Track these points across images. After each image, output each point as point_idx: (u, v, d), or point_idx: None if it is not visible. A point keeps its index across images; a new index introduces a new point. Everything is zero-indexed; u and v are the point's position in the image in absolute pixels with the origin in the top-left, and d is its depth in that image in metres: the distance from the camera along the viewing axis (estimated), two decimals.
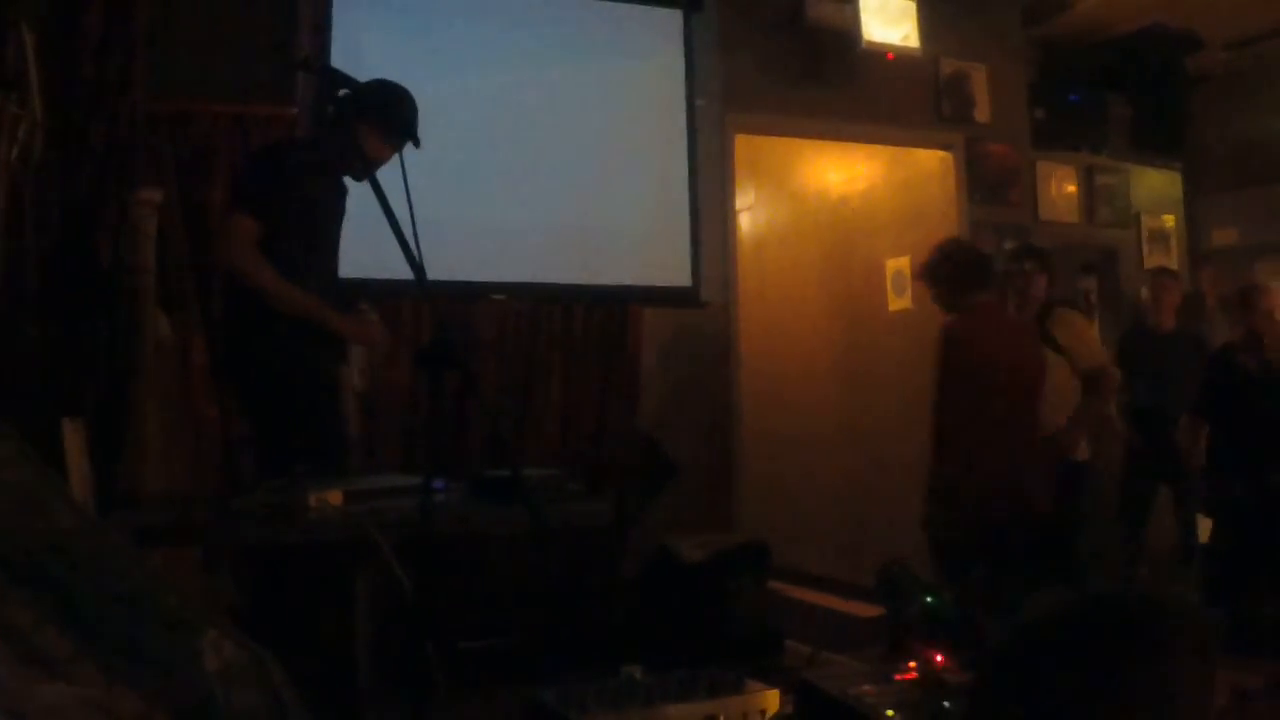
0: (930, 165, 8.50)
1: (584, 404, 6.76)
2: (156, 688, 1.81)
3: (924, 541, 6.02)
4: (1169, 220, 9.51)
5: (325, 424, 4.51)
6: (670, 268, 6.94)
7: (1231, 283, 7.83)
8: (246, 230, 4.33)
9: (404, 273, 3.40)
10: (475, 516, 3.84)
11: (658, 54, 7.10)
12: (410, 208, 3.60)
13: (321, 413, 4.50)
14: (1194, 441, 6.91)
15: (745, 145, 7.85)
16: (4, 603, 1.75)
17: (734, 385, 7.49)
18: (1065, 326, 6.57)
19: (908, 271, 8.51)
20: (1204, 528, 7.59)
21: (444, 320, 5.12)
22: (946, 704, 3.13)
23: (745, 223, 9.22)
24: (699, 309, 7.06)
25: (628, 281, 6.82)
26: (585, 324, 6.82)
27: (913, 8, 7.63)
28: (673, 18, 7.14)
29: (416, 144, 4.48)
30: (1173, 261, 9.28)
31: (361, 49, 5.90)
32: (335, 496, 3.43)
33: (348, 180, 4.71)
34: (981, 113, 8.40)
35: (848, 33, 7.44)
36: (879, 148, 8.66)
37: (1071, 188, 8.98)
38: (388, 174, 4.00)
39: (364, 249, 4.71)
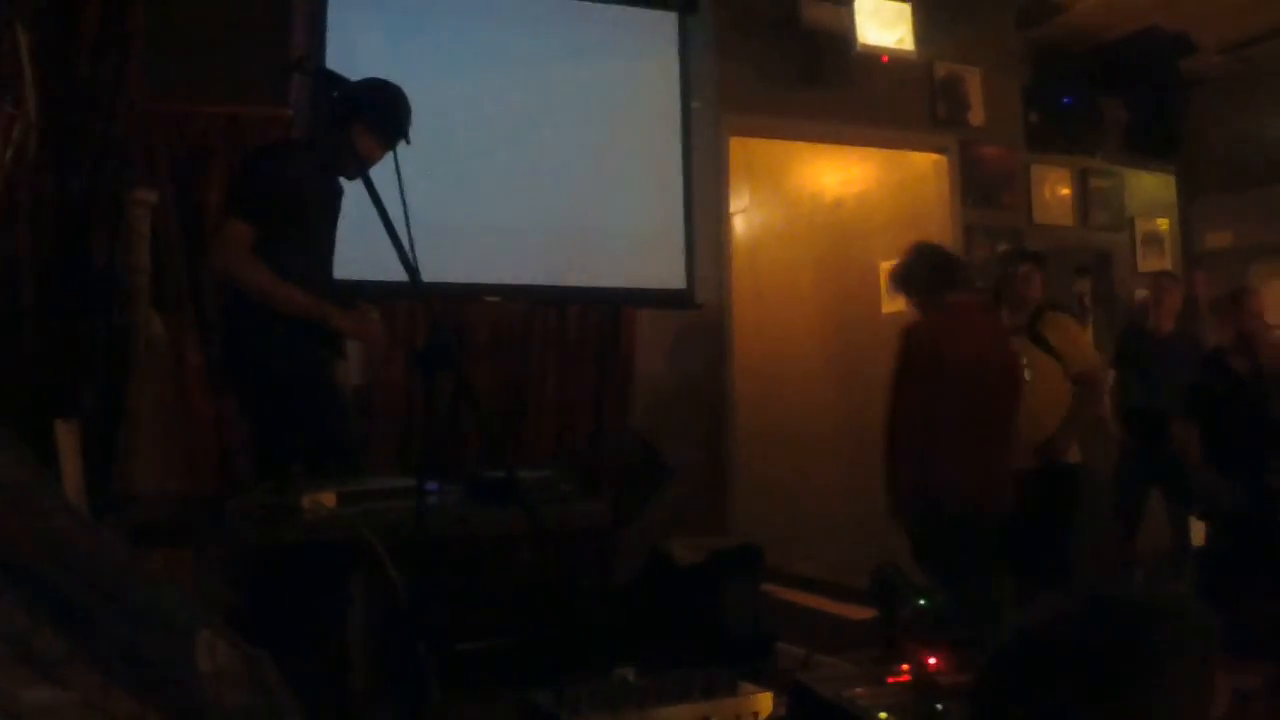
0: (924, 168, 8.50)
1: (579, 406, 6.76)
2: (151, 689, 1.81)
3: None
4: (1163, 223, 9.51)
5: (327, 425, 4.50)
6: (665, 269, 6.94)
7: (1226, 286, 7.83)
8: (241, 236, 4.32)
9: (399, 274, 3.40)
10: (470, 518, 3.84)
11: (653, 56, 7.10)
12: (405, 209, 3.60)
13: (322, 413, 4.50)
14: (1189, 444, 6.92)
15: (740, 147, 7.86)
16: None
17: (728, 387, 7.49)
18: (1057, 329, 6.61)
19: None
20: (1197, 530, 7.60)
21: (438, 322, 5.12)
22: (939, 706, 3.14)
23: (740, 225, 9.23)
24: (694, 311, 7.06)
25: (622, 283, 6.82)
26: (580, 326, 6.83)
27: (908, 11, 7.64)
28: (668, 20, 7.14)
29: (408, 141, 4.49)
30: (1167, 264, 9.29)
31: (357, 50, 5.90)
32: (329, 498, 3.44)
33: (343, 181, 4.71)
34: (976, 116, 8.41)
35: (843, 35, 7.45)
36: (873, 150, 8.67)
37: (1065, 191, 8.98)
38: (383, 176, 4.01)
39: (359, 250, 4.71)
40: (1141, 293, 8.97)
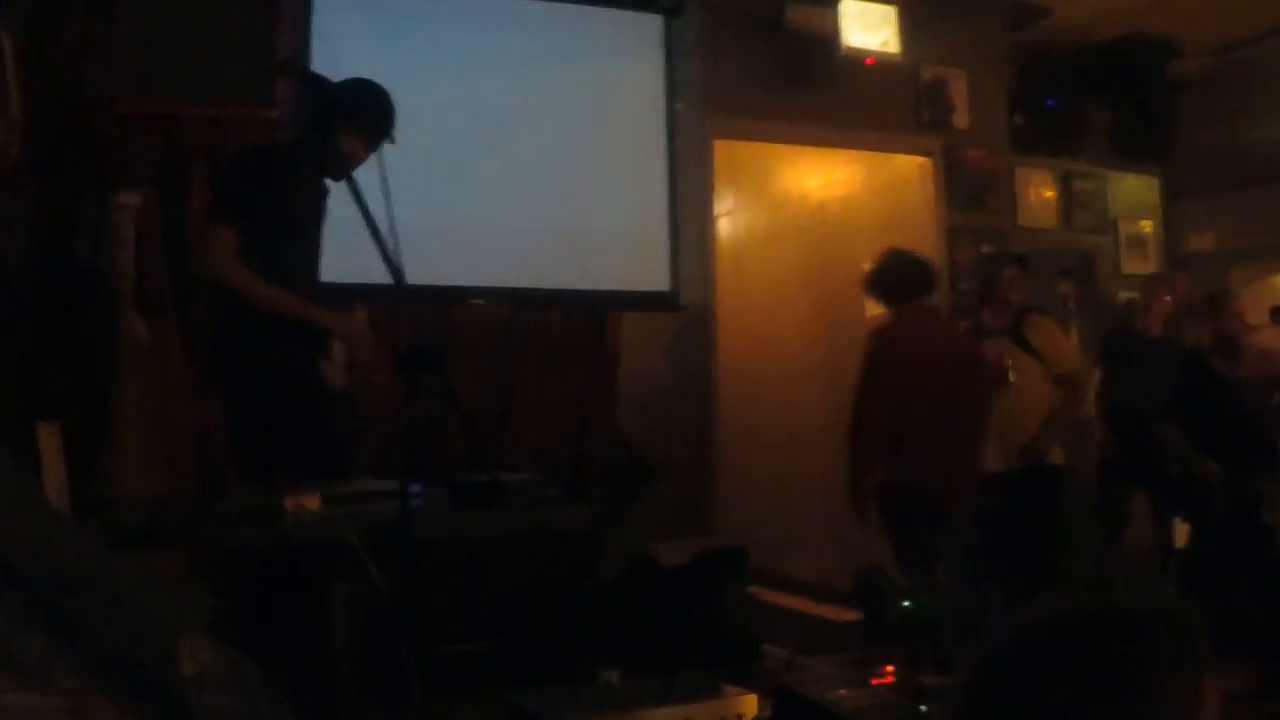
0: (909, 171, 8.51)
1: (563, 408, 6.75)
2: (133, 693, 1.81)
3: None
4: (1146, 226, 9.53)
5: (315, 426, 4.50)
6: (650, 272, 6.94)
7: (1208, 288, 7.85)
8: (226, 240, 4.31)
9: (382, 276, 3.40)
10: (453, 521, 3.84)
11: (638, 58, 7.10)
12: (389, 211, 3.61)
13: (310, 415, 4.49)
14: (1181, 445, 6.90)
15: (725, 150, 7.86)
16: None
17: (713, 389, 7.49)
18: (1039, 331, 6.68)
19: None
20: (1180, 531, 7.62)
21: (422, 324, 5.12)
22: (923, 708, 3.15)
23: (725, 227, 9.22)
24: (678, 313, 7.06)
25: (607, 285, 6.82)
26: (564, 328, 6.82)
27: (893, 13, 7.64)
28: (653, 22, 7.14)
29: (392, 141, 4.49)
30: (1150, 267, 9.31)
31: (342, 52, 5.88)
32: (313, 501, 3.43)
33: (328, 182, 4.71)
34: (961, 118, 8.42)
35: (828, 38, 7.46)
36: (858, 153, 8.69)
37: (1050, 193, 9.00)
38: (367, 178, 4.01)
39: (343, 253, 4.70)
40: (1126, 294, 9.00)
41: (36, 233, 5.27)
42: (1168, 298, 7.81)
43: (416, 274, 3.87)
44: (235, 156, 5.17)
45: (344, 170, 4.19)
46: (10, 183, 4.85)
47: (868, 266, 8.18)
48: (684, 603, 5.61)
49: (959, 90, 8.41)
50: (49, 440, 4.29)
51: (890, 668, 3.43)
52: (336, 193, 4.60)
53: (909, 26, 7.73)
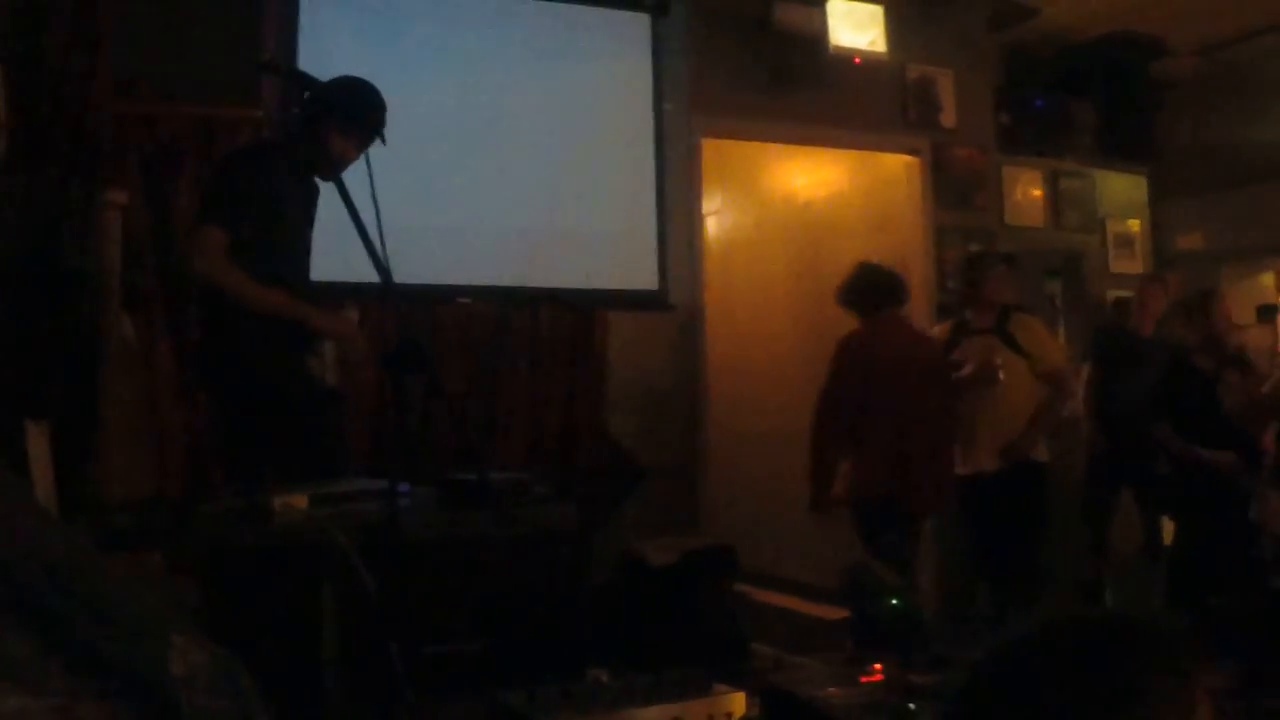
0: (896, 169, 8.52)
1: (551, 407, 6.75)
2: (122, 693, 1.81)
3: None
4: (1134, 225, 9.55)
5: (304, 425, 4.49)
6: (638, 271, 6.95)
7: (1196, 287, 7.86)
8: (215, 241, 4.30)
9: (370, 275, 3.40)
10: (442, 520, 3.84)
11: (625, 58, 7.11)
12: (377, 210, 3.60)
13: (300, 414, 4.49)
14: (1179, 445, 6.89)
15: (712, 149, 7.86)
16: None
17: (701, 388, 7.49)
18: (1025, 330, 6.72)
19: None
20: (1167, 530, 7.64)
21: (410, 323, 5.12)
22: (911, 706, 3.15)
23: (712, 226, 9.22)
24: (666, 312, 7.06)
25: (595, 284, 6.82)
26: (552, 327, 6.81)
27: (880, 13, 7.64)
28: (640, 21, 7.14)
29: (383, 140, 4.48)
30: (1139, 266, 9.34)
31: (328, 51, 5.88)
32: (301, 500, 3.43)
33: (318, 181, 4.70)
34: (948, 117, 8.42)
35: (815, 38, 7.45)
36: (846, 152, 8.68)
37: (1037, 192, 9.01)
38: (354, 177, 4.00)
39: (330, 252, 4.71)
40: (1114, 293, 9.02)
41: (24, 232, 5.27)
42: (1161, 297, 7.82)
43: (404, 273, 3.87)
44: (225, 156, 5.17)
45: (335, 170, 4.18)
46: None
47: (858, 261, 8.24)
48: (673, 602, 5.61)
49: (946, 89, 8.41)
50: (37, 439, 4.28)
51: (879, 666, 3.43)
52: (325, 192, 4.60)
53: (896, 26, 7.73)
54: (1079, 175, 9.23)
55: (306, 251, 4.73)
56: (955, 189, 8.45)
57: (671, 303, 7.06)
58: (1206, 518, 6.64)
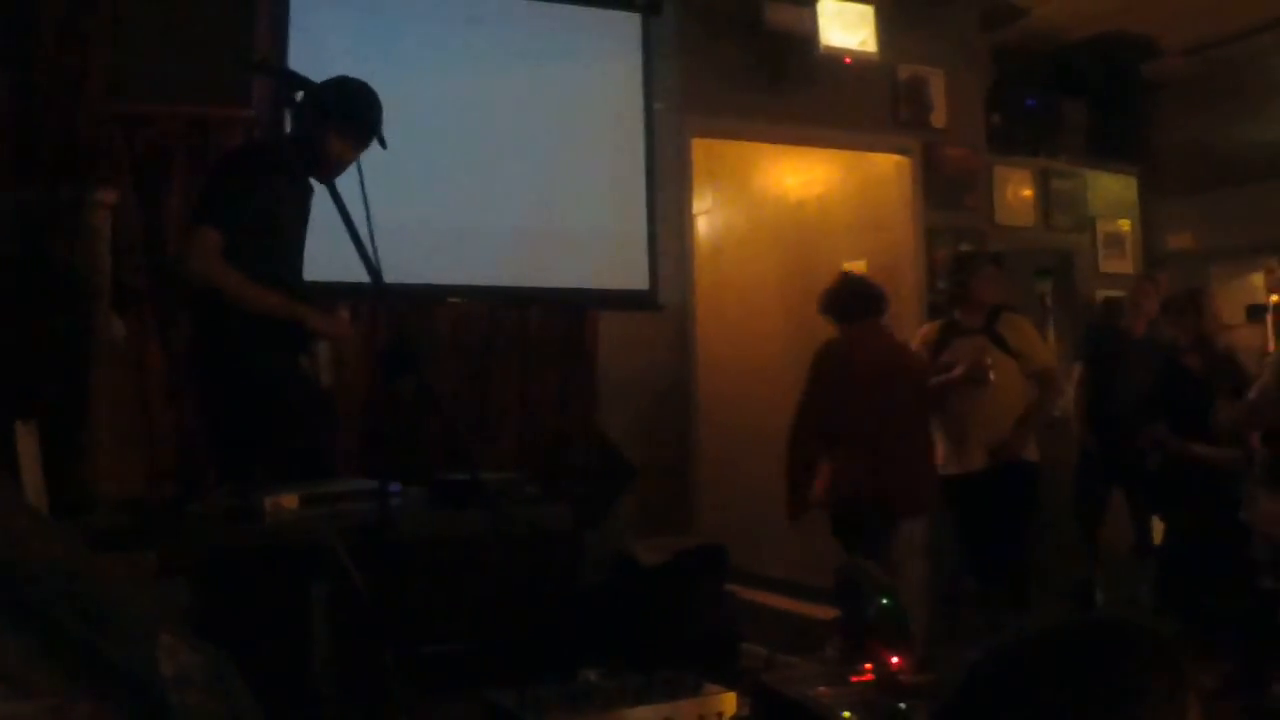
0: (887, 169, 8.52)
1: (542, 407, 6.75)
2: (112, 693, 1.80)
3: None
4: (1124, 224, 9.56)
5: (299, 426, 4.48)
6: (628, 271, 6.95)
7: (1186, 287, 7.86)
8: (211, 242, 4.28)
9: (360, 275, 3.39)
10: (433, 520, 3.83)
11: (616, 57, 7.10)
12: (367, 210, 3.59)
13: (294, 414, 4.48)
14: (1176, 444, 6.88)
15: (703, 149, 7.86)
16: None
17: (692, 388, 7.49)
18: (1014, 330, 6.76)
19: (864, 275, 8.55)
20: (1158, 529, 7.64)
21: (401, 323, 5.12)
22: (902, 705, 3.15)
23: (703, 226, 9.23)
24: (657, 312, 7.06)
25: (586, 284, 6.83)
26: (543, 327, 6.81)
27: (871, 13, 7.65)
28: (631, 21, 7.14)
29: (383, 144, 4.48)
30: (1129, 266, 9.35)
31: (319, 50, 5.87)
32: (291, 500, 3.42)
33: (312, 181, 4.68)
34: (938, 117, 8.42)
35: (806, 37, 7.46)
36: (836, 152, 8.69)
37: (1027, 192, 9.02)
38: (345, 176, 4.00)
39: (320, 251, 4.69)
40: (1104, 293, 9.03)
41: (14, 231, 5.25)
42: (1154, 298, 7.83)
43: (394, 273, 3.87)
44: (221, 157, 5.15)
45: (334, 173, 4.18)
46: None
47: (848, 264, 8.28)
48: (663, 601, 5.62)
49: (937, 89, 8.41)
50: (26, 439, 4.27)
51: (870, 665, 3.43)
52: (316, 191, 4.59)
53: (887, 26, 7.74)
54: (1070, 175, 9.24)
55: (300, 252, 4.72)
56: (946, 189, 8.45)
57: (662, 303, 7.06)
58: (1197, 517, 6.65)
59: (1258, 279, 8.63)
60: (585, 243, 6.81)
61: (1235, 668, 6.06)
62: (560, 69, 6.86)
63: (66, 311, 5.21)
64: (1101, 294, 9.09)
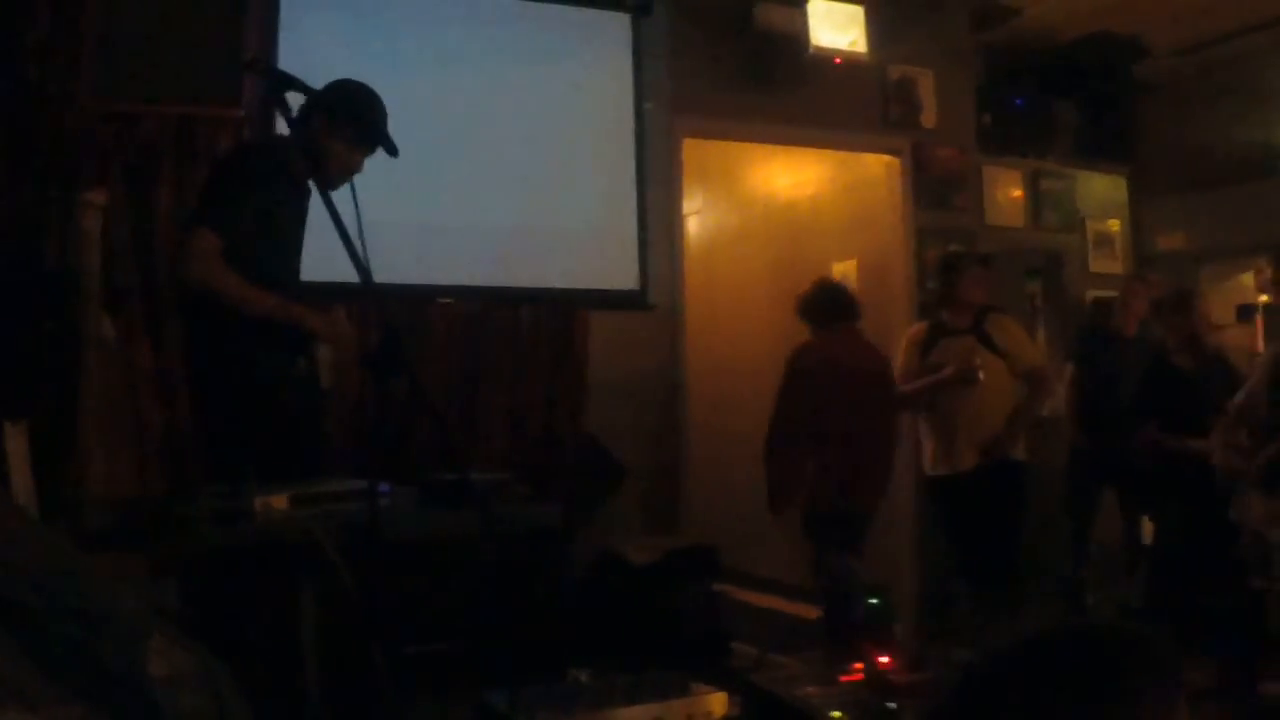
0: (877, 170, 8.53)
1: (532, 407, 6.75)
2: (103, 694, 1.81)
3: (870, 543, 6.52)
4: (1114, 225, 9.57)
5: (296, 429, 4.47)
6: (618, 271, 6.95)
7: (1176, 287, 7.86)
8: (211, 244, 4.26)
9: (350, 275, 3.39)
10: (423, 520, 3.84)
11: (606, 57, 7.10)
12: (357, 210, 3.59)
13: (290, 419, 4.46)
14: (1173, 443, 6.88)
15: (693, 149, 7.86)
16: None
17: (681, 388, 7.50)
18: (1002, 330, 6.80)
19: (854, 275, 8.56)
20: (1148, 528, 7.66)
21: (391, 323, 5.10)
22: (891, 705, 3.16)
23: (693, 226, 9.23)
24: (647, 312, 7.07)
25: (576, 284, 6.83)
26: (533, 327, 6.81)
27: (861, 13, 7.65)
28: (621, 21, 7.14)
29: (392, 152, 4.49)
30: (1119, 266, 9.37)
31: (309, 50, 5.86)
32: (281, 500, 3.42)
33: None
34: (928, 118, 8.43)
35: (796, 38, 7.46)
36: (826, 152, 8.70)
37: (1017, 192, 9.03)
38: None
39: (311, 251, 4.68)
40: (1094, 293, 9.05)
41: (3, 231, 5.25)
42: (1144, 298, 7.84)
43: (384, 273, 3.87)
44: (221, 158, 5.13)
45: (339, 179, 4.20)
46: None
47: (838, 265, 8.31)
48: (653, 601, 5.62)
49: (927, 89, 8.42)
50: (16, 440, 4.27)
51: (859, 665, 3.44)
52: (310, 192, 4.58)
53: (877, 26, 7.74)
54: (1059, 175, 9.25)
55: (298, 254, 4.70)
56: (936, 189, 8.46)
57: (652, 303, 7.06)
58: (1186, 517, 6.66)
59: (1247, 279, 8.64)
60: (576, 243, 6.82)
61: (1225, 667, 6.07)
62: (550, 69, 6.86)
63: (56, 312, 5.21)
64: (1091, 294, 9.11)
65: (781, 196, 9.36)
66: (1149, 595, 7.10)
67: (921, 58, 8.39)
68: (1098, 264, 9.36)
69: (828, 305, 6.82)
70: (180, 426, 5.57)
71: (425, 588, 4.66)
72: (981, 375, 6.57)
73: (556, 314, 6.87)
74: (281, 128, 4.39)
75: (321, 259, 4.42)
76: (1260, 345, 7.94)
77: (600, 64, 7.08)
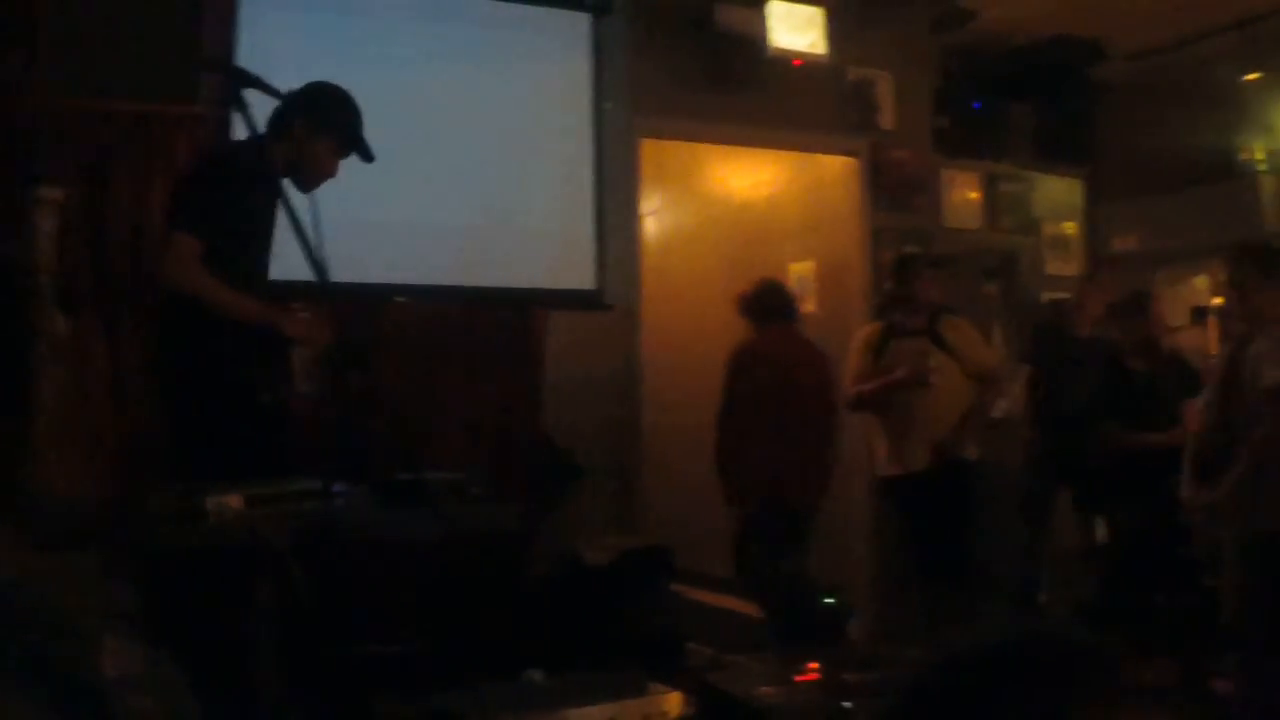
0: (835, 171, 8.55)
1: (488, 407, 6.74)
2: (56, 696, 1.80)
3: (824, 544, 6.57)
4: (1070, 227, 9.63)
5: (269, 435, 4.44)
6: (575, 270, 6.95)
7: (1131, 289, 7.91)
8: (189, 248, 4.23)
9: (305, 273, 3.38)
10: (378, 520, 3.83)
11: (566, 57, 7.09)
12: (313, 208, 3.58)
13: (264, 422, 4.43)
14: (1134, 440, 6.90)
15: (652, 149, 7.86)
16: None
17: (638, 388, 7.51)
18: (954, 331, 6.87)
19: (812, 276, 8.59)
20: (1103, 529, 7.70)
21: (347, 323, 5.09)
22: (847, 705, 3.17)
23: (651, 226, 9.23)
24: (604, 312, 7.07)
25: (533, 284, 6.82)
26: (489, 327, 6.80)
27: (820, 15, 7.65)
28: (581, 21, 7.13)
29: (367, 157, 4.50)
30: (1074, 268, 9.41)
31: (268, 47, 5.84)
32: (235, 500, 3.41)
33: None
34: (887, 119, 8.45)
35: (755, 39, 7.46)
36: (785, 153, 8.71)
37: (974, 194, 9.07)
38: None
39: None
40: (1049, 295, 9.10)
41: None
42: (1099, 299, 7.88)
43: (340, 272, 3.86)
44: (197, 161, 5.10)
45: (316, 181, 4.19)
46: None
47: (795, 265, 8.35)
48: (609, 601, 5.62)
49: (885, 91, 8.44)
50: None
51: (814, 665, 3.45)
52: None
53: (836, 28, 7.75)
54: (1016, 178, 9.30)
55: (267, 251, 4.67)
56: (893, 191, 8.48)
57: (609, 303, 7.06)
58: (1140, 517, 6.70)
59: (1201, 282, 8.70)
60: (532, 242, 6.80)
61: (1178, 665, 6.12)
62: (509, 68, 6.84)
63: (10, 310, 5.17)
64: (1047, 296, 9.15)
65: (739, 197, 9.37)
66: (1103, 594, 7.14)
67: (880, 60, 8.41)
68: (1054, 266, 9.42)
69: (766, 303, 7.10)
70: (135, 427, 5.54)
71: (379, 588, 4.66)
72: (933, 377, 6.62)
73: (513, 314, 6.87)
74: (240, 125, 4.37)
75: (277, 257, 4.41)
76: (1213, 347, 7.99)
77: (559, 63, 7.08)
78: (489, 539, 4.55)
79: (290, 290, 4.92)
